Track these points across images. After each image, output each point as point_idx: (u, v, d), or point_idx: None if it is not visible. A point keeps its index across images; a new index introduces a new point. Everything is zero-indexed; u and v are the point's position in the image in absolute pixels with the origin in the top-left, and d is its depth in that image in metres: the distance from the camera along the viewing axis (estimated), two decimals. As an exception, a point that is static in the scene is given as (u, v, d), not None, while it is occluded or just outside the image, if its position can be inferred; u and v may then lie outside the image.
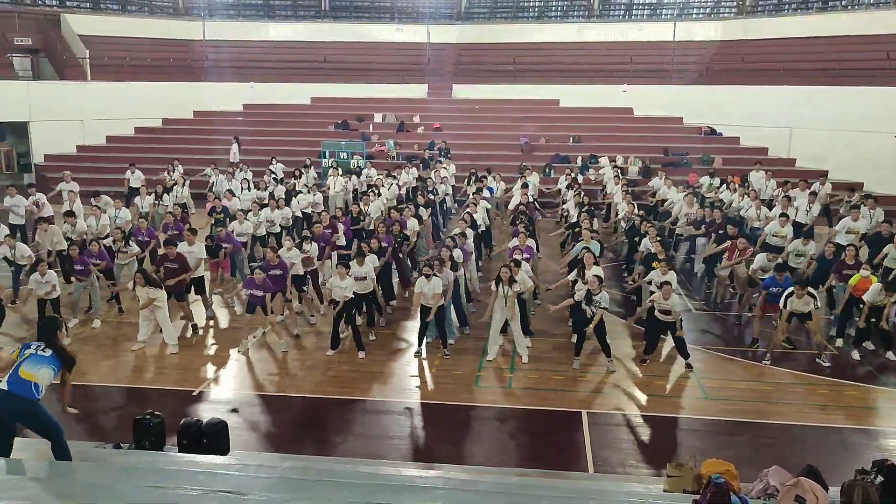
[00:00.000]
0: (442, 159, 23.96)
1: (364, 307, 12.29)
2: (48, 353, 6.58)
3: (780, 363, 11.43)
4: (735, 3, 35.13)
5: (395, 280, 14.35)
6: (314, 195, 18.38)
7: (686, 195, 17.19)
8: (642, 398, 10.29)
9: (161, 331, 11.79)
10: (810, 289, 11.34)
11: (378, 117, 31.35)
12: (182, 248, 12.73)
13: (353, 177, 21.50)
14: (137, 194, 18.32)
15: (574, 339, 11.74)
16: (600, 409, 9.88)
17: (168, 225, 14.90)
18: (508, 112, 31.06)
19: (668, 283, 11.19)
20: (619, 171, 22.56)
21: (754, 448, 8.81)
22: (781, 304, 11.25)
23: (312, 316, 13.30)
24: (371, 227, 15.49)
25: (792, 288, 11.22)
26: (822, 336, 11.66)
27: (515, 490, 6.79)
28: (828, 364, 11.31)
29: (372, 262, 12.38)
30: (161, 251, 12.81)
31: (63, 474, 6.55)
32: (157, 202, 17.73)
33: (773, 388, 10.65)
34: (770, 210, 16.06)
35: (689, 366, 11.08)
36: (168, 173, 21.88)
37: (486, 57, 34.63)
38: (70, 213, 15.01)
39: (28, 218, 16.64)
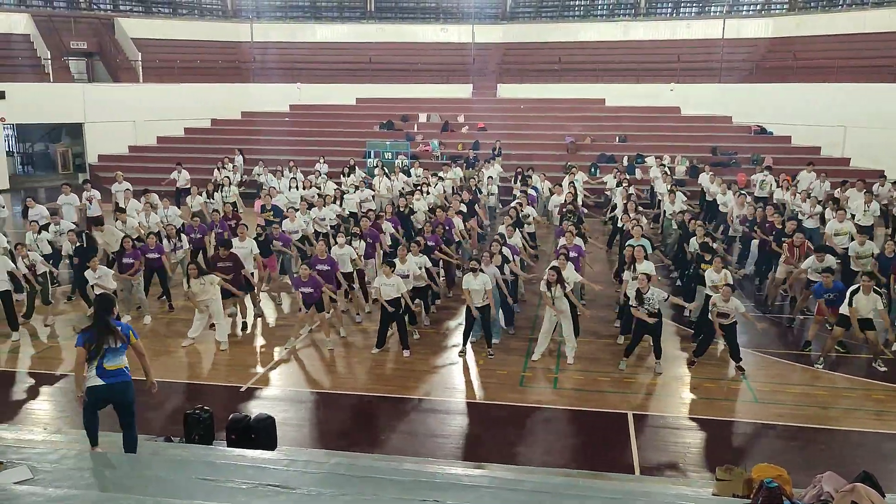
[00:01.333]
0: (489, 160, 23.79)
1: (405, 306, 12.26)
2: (118, 344, 6.95)
3: (835, 367, 11.15)
4: (787, -1, 34.44)
5: (441, 279, 14.40)
6: (363, 191, 18.58)
7: (737, 195, 16.90)
8: (691, 401, 10.13)
9: (213, 327, 11.99)
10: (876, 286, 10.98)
11: (423, 117, 31.45)
12: (234, 244, 12.92)
13: (401, 174, 21.61)
14: (188, 194, 18.67)
15: (621, 340, 11.62)
16: (647, 411, 9.76)
17: (214, 223, 15.17)
18: (554, 111, 30.90)
19: (728, 284, 10.96)
20: (666, 169, 22.24)
21: (807, 453, 8.61)
22: (846, 303, 10.88)
23: (358, 314, 13.39)
24: (418, 227, 15.59)
25: (857, 285, 10.89)
26: (880, 340, 11.32)
27: (560, 490, 6.76)
28: (884, 369, 10.99)
29: (421, 262, 12.40)
30: (212, 252, 12.98)
31: (119, 465, 6.72)
32: (207, 201, 18.07)
33: (827, 392, 10.39)
34: (823, 210, 15.71)
35: (740, 368, 10.86)
36: (218, 170, 22.26)
37: (531, 56, 34.51)
38: (121, 210, 15.39)
39: (80, 215, 17.10)
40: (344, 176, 21.19)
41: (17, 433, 8.49)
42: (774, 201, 17.90)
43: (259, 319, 13.41)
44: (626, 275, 11.93)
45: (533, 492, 6.49)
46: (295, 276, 12.00)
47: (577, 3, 38.45)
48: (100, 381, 6.86)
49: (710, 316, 10.83)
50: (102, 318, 7.00)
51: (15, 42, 30.26)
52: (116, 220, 15.20)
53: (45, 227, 14.53)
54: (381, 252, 14.44)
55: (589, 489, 6.93)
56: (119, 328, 7.06)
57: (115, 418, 7.16)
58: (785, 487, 5.95)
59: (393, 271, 11.48)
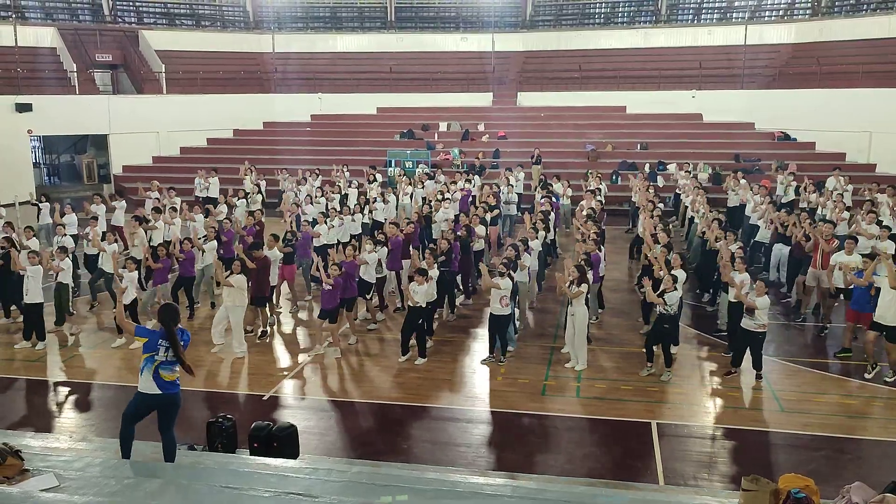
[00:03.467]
0: (512, 169, 23.62)
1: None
2: (172, 355, 7.12)
3: (862, 376, 10.98)
4: (810, 4, 34.06)
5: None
6: (386, 201, 18.68)
7: (767, 201, 16.78)
8: (714, 410, 10.03)
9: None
10: None
11: (443, 126, 31.50)
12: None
13: (429, 181, 21.70)
14: (215, 203, 18.87)
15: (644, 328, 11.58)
16: (671, 419, 9.67)
17: (249, 227, 15.34)
18: (574, 119, 30.81)
19: (762, 280, 10.87)
20: (692, 176, 22.05)
21: (834, 463, 8.49)
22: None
23: (374, 323, 13.40)
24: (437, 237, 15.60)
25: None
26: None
27: (583, 499, 6.72)
28: (870, 376, 10.82)
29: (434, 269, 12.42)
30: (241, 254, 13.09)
31: (143, 473, 6.76)
32: (236, 207, 18.34)
33: (854, 401, 10.24)
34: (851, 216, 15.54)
35: (759, 377, 10.77)
36: (246, 173, 22.45)
37: (551, 64, 34.45)
38: (157, 211, 15.81)
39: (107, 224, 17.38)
40: (368, 183, 21.37)
41: (44, 441, 8.58)
42: (801, 206, 17.70)
43: (281, 328, 13.46)
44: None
45: (555, 501, 6.45)
46: (319, 273, 12.06)
47: (597, 10, 38.31)
48: (156, 391, 7.07)
49: (737, 320, 10.78)
50: (170, 328, 7.13)
51: (41, 55, 30.72)
52: (149, 220, 15.54)
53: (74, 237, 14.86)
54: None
55: (611, 498, 6.88)
56: (182, 340, 7.25)
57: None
58: (813, 498, 5.87)
59: (426, 279, 11.51)
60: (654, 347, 11.15)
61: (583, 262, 11.54)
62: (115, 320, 11.69)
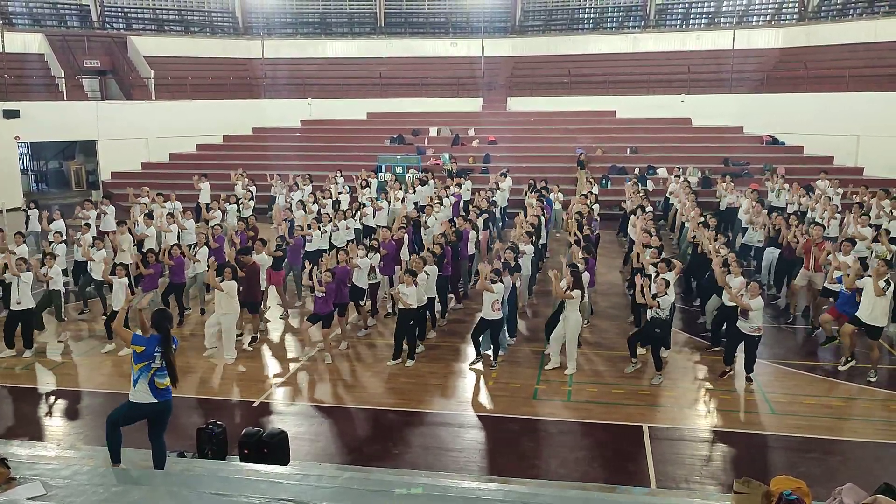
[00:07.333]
0: (507, 174, 23.57)
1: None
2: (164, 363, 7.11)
3: (852, 378, 11.02)
4: (797, 9, 34.30)
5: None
6: (379, 207, 18.67)
7: (754, 204, 16.85)
8: (706, 412, 10.04)
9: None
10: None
11: (433, 131, 31.51)
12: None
13: (420, 186, 21.69)
14: (209, 208, 18.80)
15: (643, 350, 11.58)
16: (662, 423, 9.67)
17: (240, 232, 15.31)
18: (564, 124, 30.89)
19: (756, 282, 10.89)
20: (687, 182, 22.13)
21: (826, 465, 8.50)
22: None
23: (366, 329, 13.36)
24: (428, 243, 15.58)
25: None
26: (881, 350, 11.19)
27: (576, 504, 6.70)
28: (874, 379, 10.85)
29: (432, 272, 12.40)
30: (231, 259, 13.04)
31: (131, 481, 6.71)
32: (228, 213, 18.31)
33: (845, 403, 10.27)
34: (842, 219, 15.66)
35: (749, 379, 10.80)
36: (237, 179, 22.40)
37: (540, 69, 34.56)
38: (149, 215, 15.84)
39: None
40: (361, 187, 21.37)
41: (31, 449, 8.49)
42: (790, 210, 17.78)
43: (271, 334, 13.40)
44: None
45: (548, 505, 6.43)
46: (311, 282, 12.00)
47: (586, 15, 38.46)
48: (153, 399, 7.04)
49: (733, 321, 10.81)
50: (167, 333, 7.09)
51: (29, 61, 30.59)
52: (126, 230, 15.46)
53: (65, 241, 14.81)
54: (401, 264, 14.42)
55: (604, 502, 6.87)
56: (175, 344, 7.22)
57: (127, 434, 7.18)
58: (804, 500, 5.86)
59: (414, 281, 11.48)
60: (638, 345, 11.26)
61: (578, 267, 11.54)
62: (112, 327, 11.63)
